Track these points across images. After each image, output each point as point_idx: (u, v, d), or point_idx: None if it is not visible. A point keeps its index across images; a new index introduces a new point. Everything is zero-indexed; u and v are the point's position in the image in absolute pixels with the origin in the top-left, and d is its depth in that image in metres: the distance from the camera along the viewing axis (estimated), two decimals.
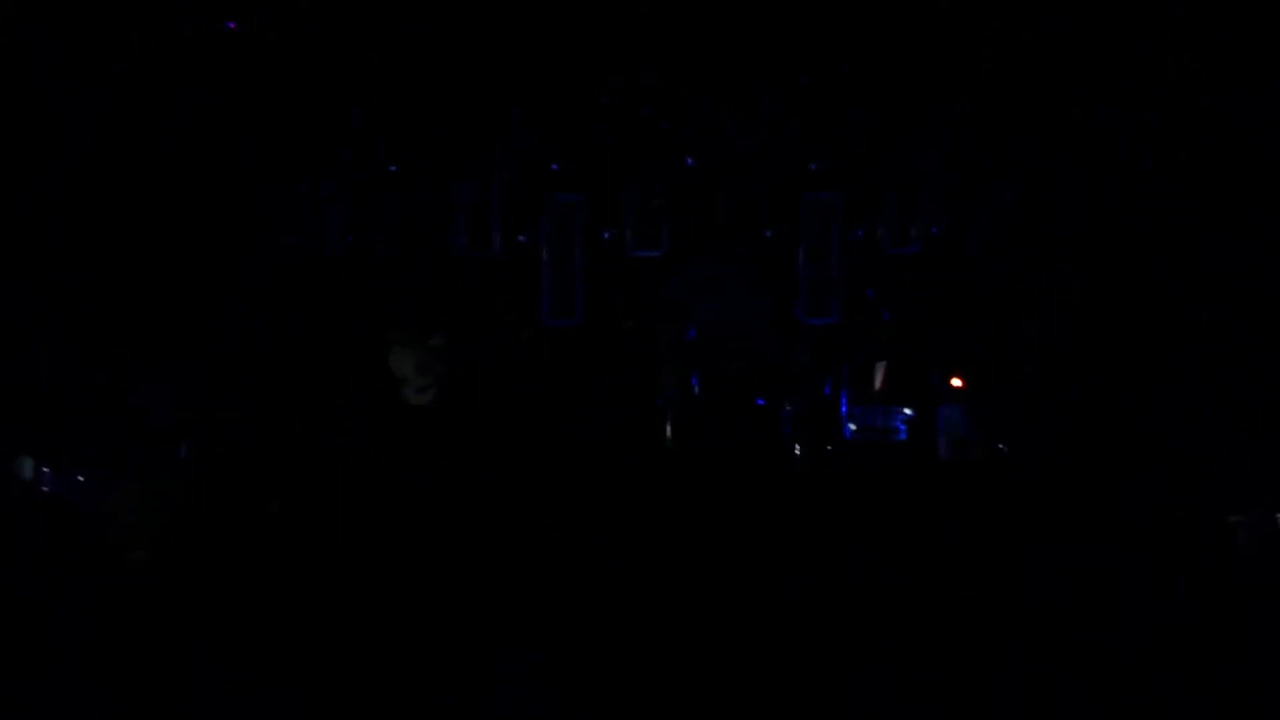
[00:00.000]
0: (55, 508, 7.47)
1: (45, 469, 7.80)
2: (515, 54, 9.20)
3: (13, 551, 6.55)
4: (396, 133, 9.44)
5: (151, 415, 8.29)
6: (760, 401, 9.59)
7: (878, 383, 9.67)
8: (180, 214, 9.03)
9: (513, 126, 9.48)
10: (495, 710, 5.95)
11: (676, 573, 6.75)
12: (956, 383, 9.31)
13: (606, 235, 9.64)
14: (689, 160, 9.60)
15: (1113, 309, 8.87)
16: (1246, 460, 7.78)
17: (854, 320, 9.69)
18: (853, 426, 9.58)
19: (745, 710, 5.93)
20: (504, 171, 9.53)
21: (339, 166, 9.45)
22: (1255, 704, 5.67)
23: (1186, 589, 6.24)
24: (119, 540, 6.98)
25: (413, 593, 6.60)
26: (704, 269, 9.67)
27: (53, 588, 6.19)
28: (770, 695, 5.96)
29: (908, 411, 9.52)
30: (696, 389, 9.55)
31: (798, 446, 9.34)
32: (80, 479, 7.74)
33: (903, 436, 9.52)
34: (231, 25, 8.91)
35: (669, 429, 9.28)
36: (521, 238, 9.57)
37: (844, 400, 9.61)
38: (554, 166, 9.55)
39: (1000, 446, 8.99)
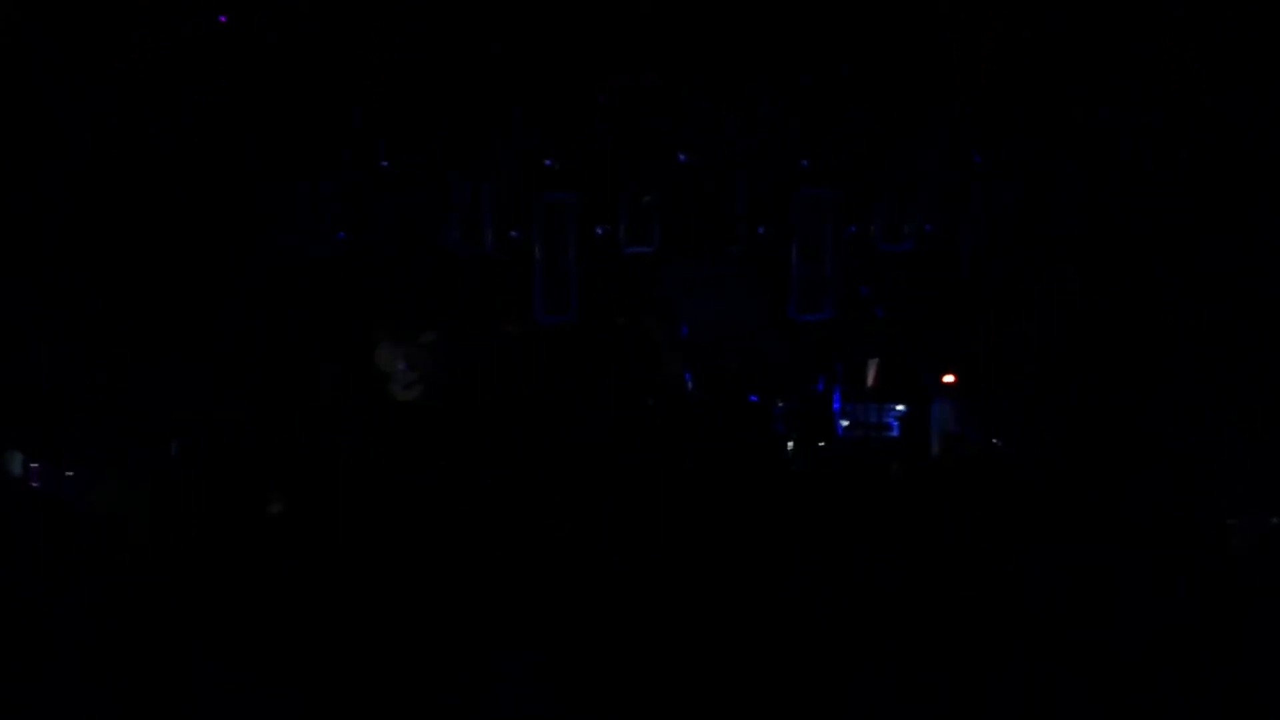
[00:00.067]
0: (54, 507, 7.48)
1: (33, 464, 7.82)
2: (515, 54, 9.20)
3: (12, 551, 6.55)
4: (396, 132, 9.45)
5: (147, 413, 8.30)
6: (753, 398, 9.61)
7: (870, 379, 9.70)
8: (180, 214, 9.03)
9: (513, 126, 9.48)
10: (495, 710, 5.96)
11: (677, 572, 6.75)
12: (949, 379, 9.35)
13: (600, 231, 9.63)
14: (681, 156, 9.59)
15: (1112, 309, 8.87)
16: (1246, 460, 7.79)
17: (847, 317, 9.69)
18: (845, 423, 9.61)
19: (746, 710, 5.93)
20: (501, 169, 9.53)
21: (339, 166, 9.45)
22: (1255, 704, 5.67)
23: (1186, 589, 6.24)
24: (109, 535, 6.98)
25: (413, 593, 6.60)
26: (697, 265, 9.67)
27: (52, 587, 6.19)
28: (771, 695, 5.96)
29: (900, 408, 9.56)
30: (690, 385, 9.57)
31: (790, 443, 9.36)
32: (68, 474, 7.76)
33: (895, 433, 9.56)
34: (223, 19, 8.90)
35: (664, 426, 9.29)
36: (514, 233, 9.55)
37: (837, 397, 9.62)
38: (548, 162, 9.53)
39: (995, 442, 9.00)
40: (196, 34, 8.91)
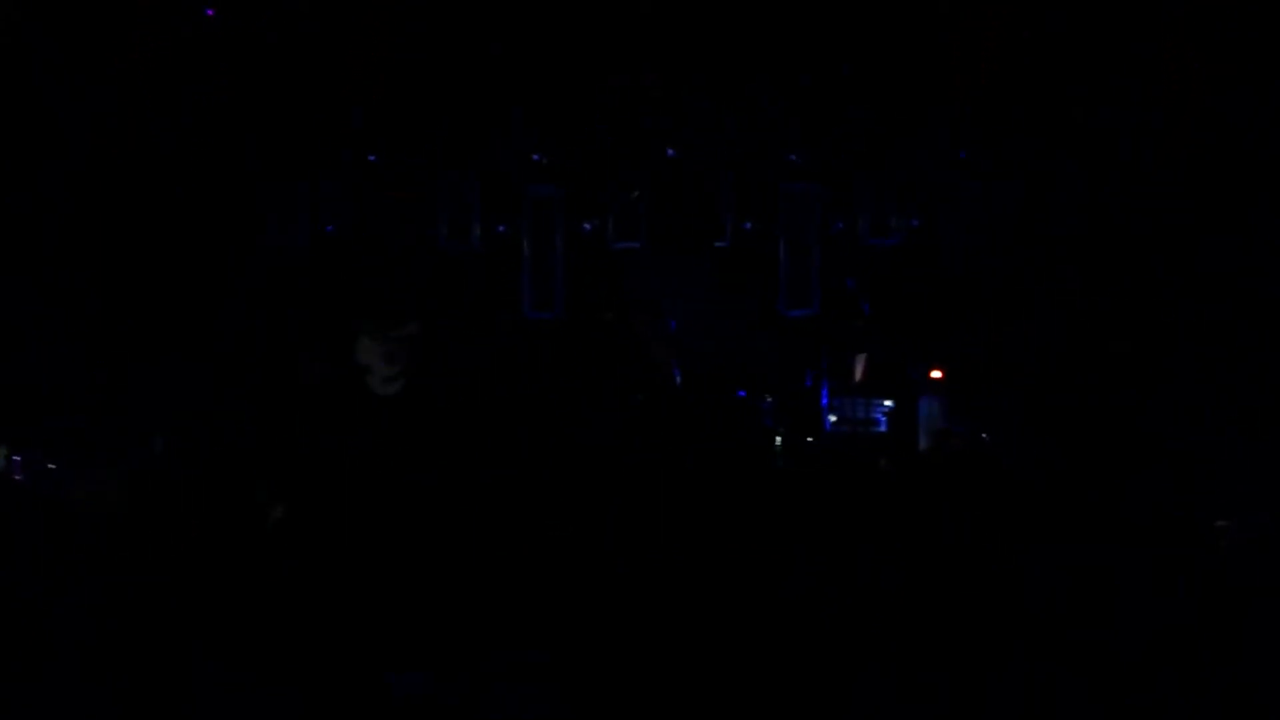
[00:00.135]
0: (51, 506, 7.47)
1: (16, 457, 7.83)
2: (515, 54, 9.20)
3: (11, 550, 6.55)
4: (395, 132, 9.44)
5: (139, 409, 8.30)
6: (741, 394, 9.62)
7: (858, 375, 9.72)
8: (177, 212, 9.03)
9: (513, 126, 9.48)
10: (496, 710, 5.95)
11: (680, 573, 6.75)
12: (936, 375, 9.37)
13: (587, 227, 9.62)
14: (670, 152, 9.58)
15: (1112, 309, 8.87)
16: (1246, 460, 7.79)
17: (835, 313, 9.70)
18: (833, 418, 9.63)
19: (746, 710, 5.93)
20: (495, 166, 9.52)
21: (334, 164, 9.45)
22: (1255, 704, 5.67)
23: (1186, 589, 6.24)
24: (100, 533, 6.98)
25: (414, 593, 6.60)
26: (683, 260, 9.67)
27: (52, 587, 6.18)
28: (772, 695, 5.96)
29: (888, 403, 9.58)
30: (678, 381, 9.58)
31: (779, 439, 9.39)
32: (50, 468, 7.78)
33: (883, 428, 9.58)
34: (210, 12, 8.89)
35: (652, 422, 9.29)
36: (501, 228, 9.54)
37: (824, 392, 9.64)
38: (535, 157, 9.52)
39: (983, 437, 9.02)
40: (198, 34, 8.91)
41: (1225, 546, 7.03)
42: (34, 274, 8.68)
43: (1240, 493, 7.45)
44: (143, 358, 8.71)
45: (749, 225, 9.59)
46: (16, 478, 7.82)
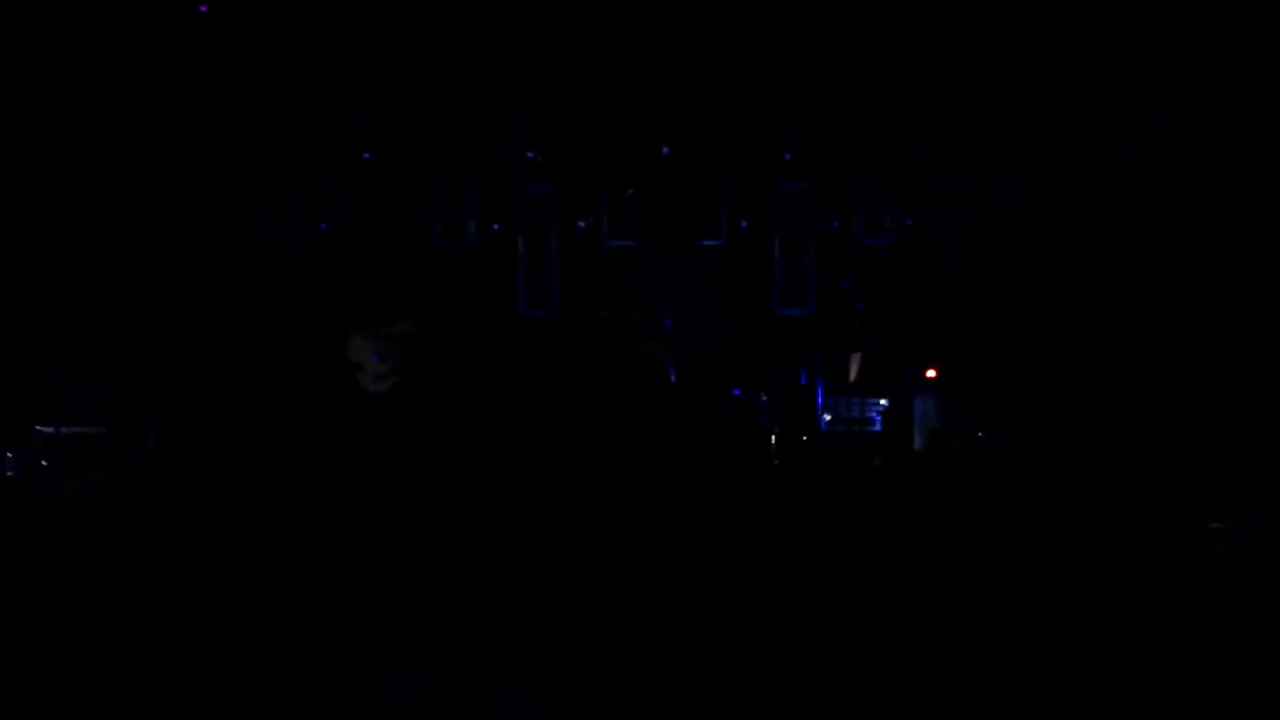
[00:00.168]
0: (51, 506, 7.47)
1: (9, 453, 7.84)
2: (515, 54, 9.20)
3: (11, 550, 6.55)
4: (392, 131, 9.45)
5: (137, 406, 8.31)
6: (736, 392, 9.63)
7: (853, 374, 9.73)
8: (176, 211, 9.04)
9: (509, 124, 9.48)
10: (492, 710, 5.95)
11: (675, 572, 6.75)
12: (931, 374, 9.38)
13: (582, 225, 9.62)
14: (665, 150, 9.58)
15: (1112, 309, 8.87)
16: (1246, 460, 7.78)
17: (829, 311, 9.71)
18: (828, 417, 9.64)
19: (746, 710, 5.93)
20: (492, 165, 9.52)
21: (332, 163, 9.45)
22: (1255, 704, 5.66)
23: (1186, 589, 6.24)
24: (99, 532, 6.98)
25: (413, 593, 6.60)
26: (679, 259, 9.68)
27: (52, 587, 6.19)
28: (771, 695, 5.95)
29: (883, 402, 9.59)
30: (673, 379, 9.59)
31: (774, 437, 9.40)
32: (43, 464, 7.78)
33: (878, 427, 9.59)
34: (203, 9, 8.89)
35: (648, 420, 9.30)
36: (496, 226, 9.54)
37: (819, 391, 9.65)
38: (530, 155, 9.52)
39: (979, 435, 9.02)
40: (197, 35, 8.92)
41: (1224, 547, 7.03)
42: (34, 274, 8.68)
43: (1240, 493, 7.45)
44: (142, 357, 8.72)
45: (744, 224, 9.59)
46: (15, 477, 7.82)
